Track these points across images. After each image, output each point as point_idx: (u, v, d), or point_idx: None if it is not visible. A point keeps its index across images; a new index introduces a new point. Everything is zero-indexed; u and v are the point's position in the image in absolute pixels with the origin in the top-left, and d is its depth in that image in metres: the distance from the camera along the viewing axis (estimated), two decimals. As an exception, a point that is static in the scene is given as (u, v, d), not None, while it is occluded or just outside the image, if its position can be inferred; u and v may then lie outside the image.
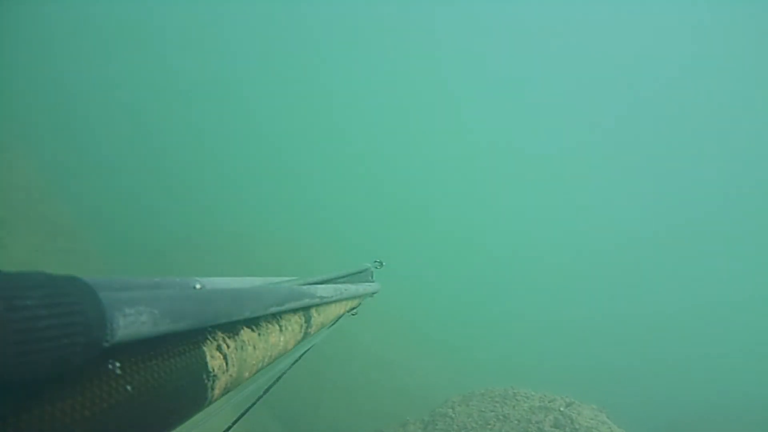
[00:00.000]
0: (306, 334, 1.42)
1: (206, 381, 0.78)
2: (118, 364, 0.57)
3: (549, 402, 6.26)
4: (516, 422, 5.93)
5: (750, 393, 15.00)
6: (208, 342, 0.82)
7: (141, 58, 33.14)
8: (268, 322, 1.13)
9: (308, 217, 27.82)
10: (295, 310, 1.31)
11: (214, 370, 0.80)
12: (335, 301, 1.74)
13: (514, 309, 27.33)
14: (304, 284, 1.49)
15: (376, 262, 2.79)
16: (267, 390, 1.53)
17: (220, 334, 0.87)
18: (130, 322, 0.55)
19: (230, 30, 40.33)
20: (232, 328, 0.92)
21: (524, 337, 22.41)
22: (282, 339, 1.19)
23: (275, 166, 36.29)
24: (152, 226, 16.02)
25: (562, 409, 5.98)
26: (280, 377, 1.54)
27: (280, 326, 1.19)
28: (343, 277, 2.12)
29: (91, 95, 24.40)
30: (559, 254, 38.42)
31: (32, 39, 22.86)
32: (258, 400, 1.49)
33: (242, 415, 1.42)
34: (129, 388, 0.57)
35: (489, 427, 6.01)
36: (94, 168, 17.57)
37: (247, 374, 0.99)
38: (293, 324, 1.29)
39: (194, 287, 0.94)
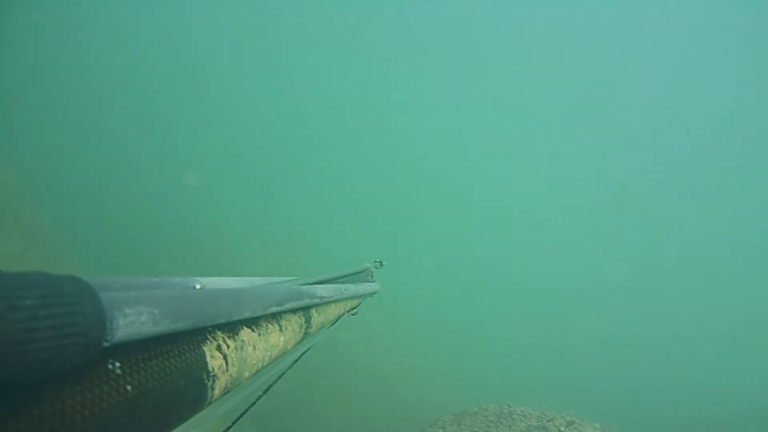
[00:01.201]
0: (306, 334, 1.43)
1: (206, 381, 0.78)
2: (118, 364, 0.57)
3: (548, 421, 5.80)
4: (511, 445, 5.46)
5: (759, 403, 14.89)
6: (208, 342, 0.82)
7: (125, 60, 33.07)
8: (268, 322, 1.13)
9: (298, 222, 27.61)
10: (295, 310, 1.31)
11: (214, 370, 0.80)
12: (335, 301, 1.74)
13: (512, 319, 27.23)
14: (304, 284, 1.49)
15: (376, 262, 2.79)
16: (267, 389, 1.53)
17: (220, 334, 0.87)
18: (130, 322, 0.55)
19: (216, 31, 40.15)
20: (232, 328, 0.93)
21: (524, 349, 22.28)
22: (282, 339, 1.19)
23: (264, 168, 36.13)
24: (135, 233, 15.81)
25: (562, 429, 5.56)
26: (280, 377, 1.54)
27: (280, 326, 1.19)
28: (343, 277, 2.12)
29: (72, 99, 24.29)
30: (561, 264, 38.34)
31: (11, 43, 22.76)
32: (258, 399, 1.49)
33: (243, 414, 1.42)
34: (129, 388, 0.57)
35: (482, 449, 5.54)
36: (73, 174, 17.34)
37: (247, 374, 0.99)
38: (293, 324, 1.29)
39: (194, 287, 0.94)
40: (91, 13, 31.65)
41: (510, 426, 5.81)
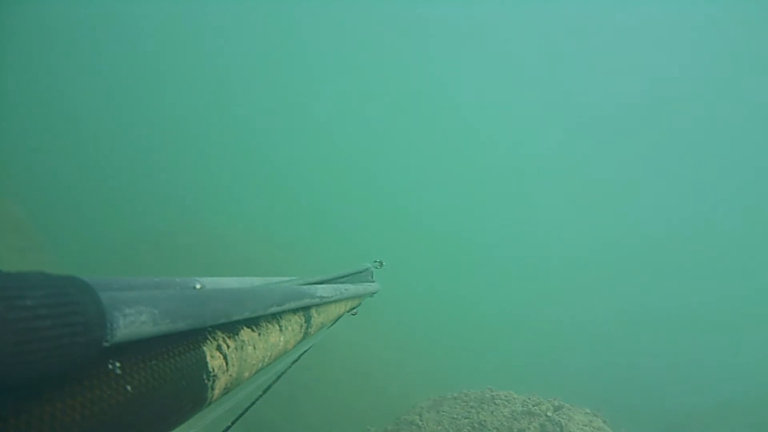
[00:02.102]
0: (306, 334, 1.43)
1: (206, 381, 0.78)
2: (118, 364, 0.57)
3: (534, 406, 5.46)
4: (494, 430, 5.15)
5: (755, 392, 14.87)
6: (208, 342, 0.82)
7: (118, 51, 32.92)
8: (268, 322, 1.13)
9: (286, 216, 27.33)
10: (295, 310, 1.31)
11: (214, 370, 0.80)
12: (335, 301, 1.74)
13: (503, 307, 27.15)
14: (304, 284, 1.49)
15: (376, 262, 2.80)
16: (267, 389, 1.53)
17: (220, 334, 0.87)
18: (130, 322, 0.55)
19: (215, 24, 40.01)
20: (232, 328, 0.93)
21: (514, 337, 22.18)
22: (282, 339, 1.19)
23: (255, 162, 35.90)
24: (111, 224, 15.59)
25: (549, 414, 5.22)
26: (280, 376, 1.54)
27: (280, 326, 1.19)
28: (343, 277, 2.12)
29: (57, 87, 24.19)
30: (551, 250, 38.35)
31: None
32: (258, 399, 1.49)
33: (242, 414, 1.42)
34: (129, 388, 0.57)
35: (461, 436, 5.19)
36: (52, 165, 17.14)
37: (247, 374, 0.99)
38: (293, 324, 1.29)
39: (194, 287, 0.94)
40: (72, 13, 31.53)
41: (492, 412, 5.49)
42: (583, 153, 44.39)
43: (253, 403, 1.46)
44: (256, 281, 1.34)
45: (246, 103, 41.22)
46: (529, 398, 5.73)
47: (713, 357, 21.45)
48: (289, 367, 1.56)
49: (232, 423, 1.36)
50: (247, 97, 41.53)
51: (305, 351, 1.59)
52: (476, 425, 5.27)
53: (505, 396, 5.80)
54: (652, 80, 42.40)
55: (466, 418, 5.46)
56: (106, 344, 0.50)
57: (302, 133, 41.89)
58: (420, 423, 5.59)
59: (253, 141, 38.00)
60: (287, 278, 1.50)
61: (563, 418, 5.10)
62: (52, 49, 28.24)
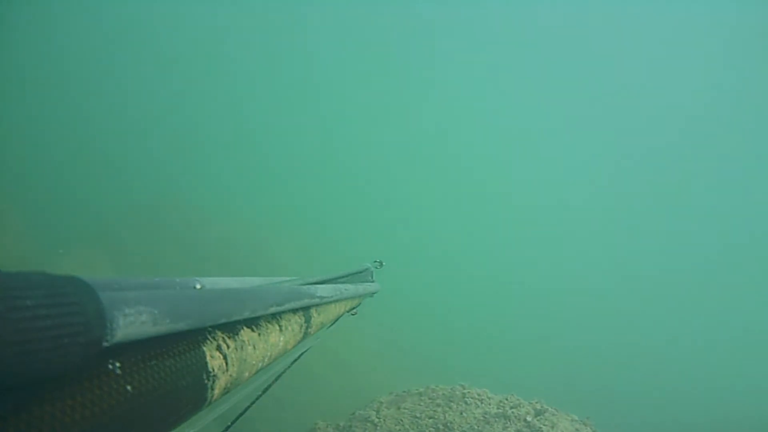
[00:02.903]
0: (306, 334, 1.43)
1: (206, 381, 0.78)
2: (118, 364, 0.57)
3: (511, 408, 4.78)
4: (461, 434, 4.52)
5: (750, 409, 14.78)
6: (208, 342, 0.82)
7: (111, 47, 32.82)
8: (268, 322, 1.13)
9: (281, 209, 26.99)
10: (295, 310, 1.32)
11: (214, 370, 0.80)
12: (335, 301, 1.74)
13: (496, 311, 27.03)
14: (304, 284, 1.49)
15: (376, 262, 2.80)
16: (266, 390, 1.53)
17: (220, 334, 0.87)
18: (130, 322, 0.55)
19: (210, 18, 39.86)
20: (232, 328, 0.93)
21: (505, 342, 22.02)
22: (282, 339, 1.19)
23: (251, 152, 35.60)
24: (93, 198, 15.36)
25: (529, 419, 4.57)
26: (279, 376, 1.54)
27: (280, 326, 1.19)
28: (343, 277, 2.12)
29: (52, 78, 24.10)
30: (545, 254, 38.17)
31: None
32: (257, 399, 1.49)
33: (242, 413, 1.42)
34: (129, 388, 0.57)
35: (422, 439, 4.54)
36: (23, 150, 16.88)
37: (247, 374, 1.00)
38: (293, 324, 1.29)
39: (194, 287, 0.94)
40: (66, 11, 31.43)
41: (462, 412, 4.78)
42: (596, 161, 44.08)
43: (252, 403, 1.47)
44: (257, 281, 1.34)
45: (244, 92, 41.07)
46: (506, 399, 5.05)
47: (714, 374, 21.33)
48: (289, 366, 1.57)
49: (232, 423, 1.37)
50: (245, 87, 41.39)
51: (305, 351, 1.60)
52: (441, 426, 4.62)
53: (479, 395, 5.09)
54: (688, 118, 41.68)
55: (430, 418, 4.82)
56: (106, 344, 0.50)
57: (301, 127, 41.74)
58: (376, 420, 4.94)
59: (250, 135, 37.84)
60: (287, 278, 1.51)
61: (545, 425, 4.49)
62: (49, 44, 28.19)
